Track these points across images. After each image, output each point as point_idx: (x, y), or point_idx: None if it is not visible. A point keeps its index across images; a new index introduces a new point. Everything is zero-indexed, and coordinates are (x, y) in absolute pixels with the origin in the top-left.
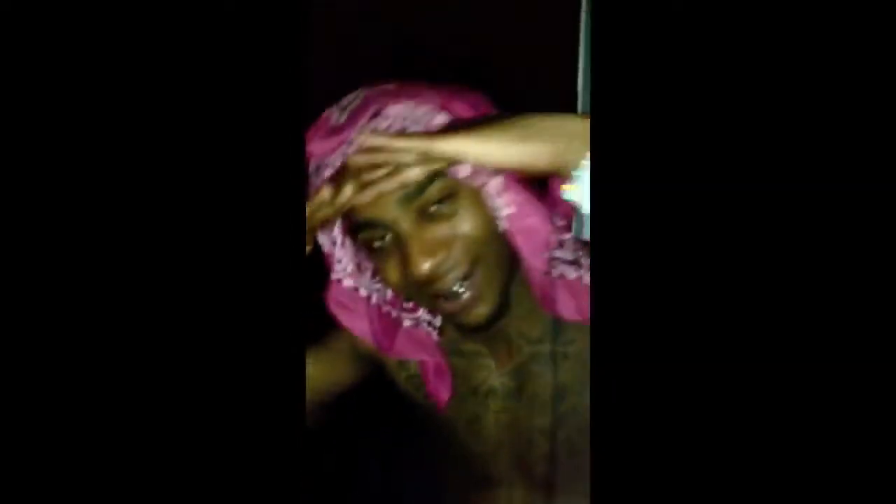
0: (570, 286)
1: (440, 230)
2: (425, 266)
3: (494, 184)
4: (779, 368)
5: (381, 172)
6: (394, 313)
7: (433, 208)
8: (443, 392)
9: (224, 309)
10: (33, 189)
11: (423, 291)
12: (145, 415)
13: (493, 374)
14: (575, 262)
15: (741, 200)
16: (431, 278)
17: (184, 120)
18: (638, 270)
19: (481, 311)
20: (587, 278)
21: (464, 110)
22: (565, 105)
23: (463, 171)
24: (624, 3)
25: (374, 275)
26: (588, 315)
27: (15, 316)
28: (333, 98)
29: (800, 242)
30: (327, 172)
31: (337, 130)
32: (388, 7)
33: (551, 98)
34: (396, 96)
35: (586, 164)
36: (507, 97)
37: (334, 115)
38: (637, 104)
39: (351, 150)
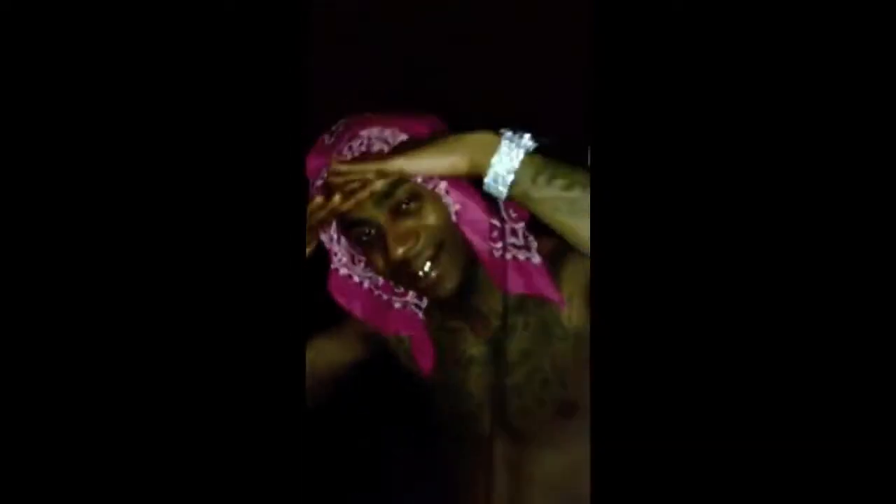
0: (521, 266)
1: (409, 223)
2: (399, 251)
3: (441, 186)
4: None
5: (355, 185)
6: (385, 297)
7: (403, 206)
8: (425, 361)
9: (230, 303)
10: (35, 193)
11: (401, 273)
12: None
13: (473, 345)
14: (524, 247)
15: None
16: (406, 261)
17: (184, 122)
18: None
19: (448, 286)
20: (535, 259)
21: (421, 130)
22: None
23: (418, 178)
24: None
25: (365, 265)
26: (536, 290)
27: (16, 314)
28: (333, 101)
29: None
30: (318, 184)
31: (326, 150)
32: (388, 9)
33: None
34: (370, 123)
35: (494, 167)
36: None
37: (326, 138)
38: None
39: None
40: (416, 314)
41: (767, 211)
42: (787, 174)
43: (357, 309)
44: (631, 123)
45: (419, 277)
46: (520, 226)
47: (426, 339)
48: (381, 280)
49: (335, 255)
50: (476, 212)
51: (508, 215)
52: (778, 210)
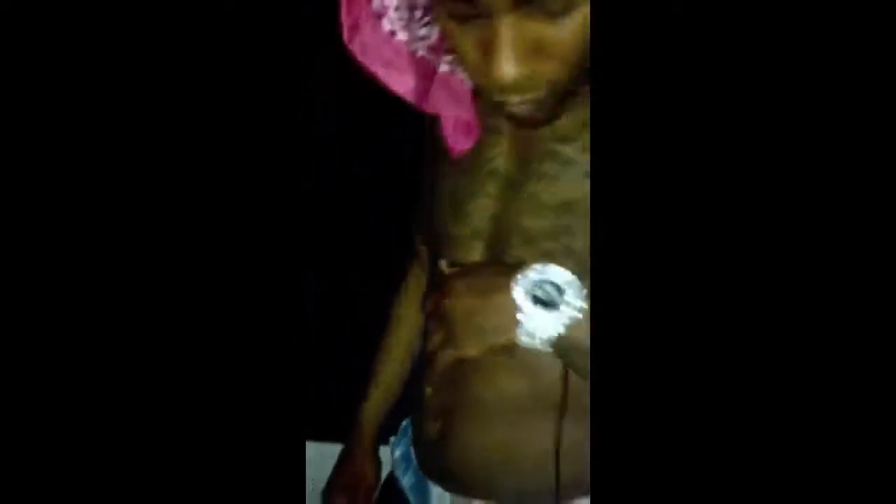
0: None
1: (540, 28)
2: (505, 71)
3: None
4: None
5: None
6: (432, 61)
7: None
8: (462, 142)
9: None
10: (31, 190)
11: (488, 87)
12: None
13: (503, 158)
14: None
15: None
16: (506, 89)
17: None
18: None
19: (540, 117)
20: None
21: None
22: None
23: None
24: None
25: (422, 22)
26: None
27: (12, 315)
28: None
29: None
30: None
31: None
32: None
33: None
34: None
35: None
36: None
37: None
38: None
39: None
40: (465, 83)
41: (768, 212)
42: (787, 175)
43: (409, 89)
44: (631, 123)
45: (507, 104)
46: None
47: (473, 124)
48: (433, 38)
49: (394, 9)
50: None
51: None
52: (778, 211)
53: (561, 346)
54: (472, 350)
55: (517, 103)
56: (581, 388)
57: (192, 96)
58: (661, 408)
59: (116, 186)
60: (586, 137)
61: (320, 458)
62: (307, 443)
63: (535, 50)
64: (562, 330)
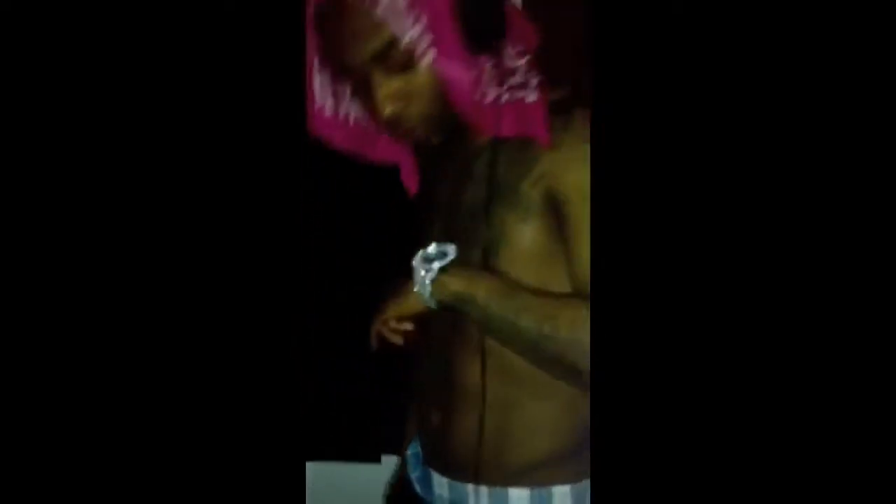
0: (514, 107)
1: (399, 83)
2: (388, 111)
3: (430, 51)
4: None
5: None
6: (371, 127)
7: (396, 65)
8: (412, 182)
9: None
10: (31, 188)
11: (388, 125)
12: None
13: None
14: (522, 86)
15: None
16: (393, 119)
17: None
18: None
19: (437, 139)
20: (531, 97)
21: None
22: None
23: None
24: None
25: (351, 96)
26: (523, 130)
27: (12, 315)
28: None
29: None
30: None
31: None
32: None
33: None
34: None
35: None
36: None
37: None
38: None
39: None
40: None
41: (768, 213)
42: (787, 177)
43: (341, 141)
44: (631, 123)
45: (406, 131)
46: (520, 63)
47: (412, 163)
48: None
49: (317, 91)
50: (462, 71)
51: (507, 55)
52: (778, 212)
53: (449, 301)
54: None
55: (409, 134)
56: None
57: (195, 103)
58: (659, 409)
59: (116, 189)
60: (487, 154)
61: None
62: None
63: (400, 95)
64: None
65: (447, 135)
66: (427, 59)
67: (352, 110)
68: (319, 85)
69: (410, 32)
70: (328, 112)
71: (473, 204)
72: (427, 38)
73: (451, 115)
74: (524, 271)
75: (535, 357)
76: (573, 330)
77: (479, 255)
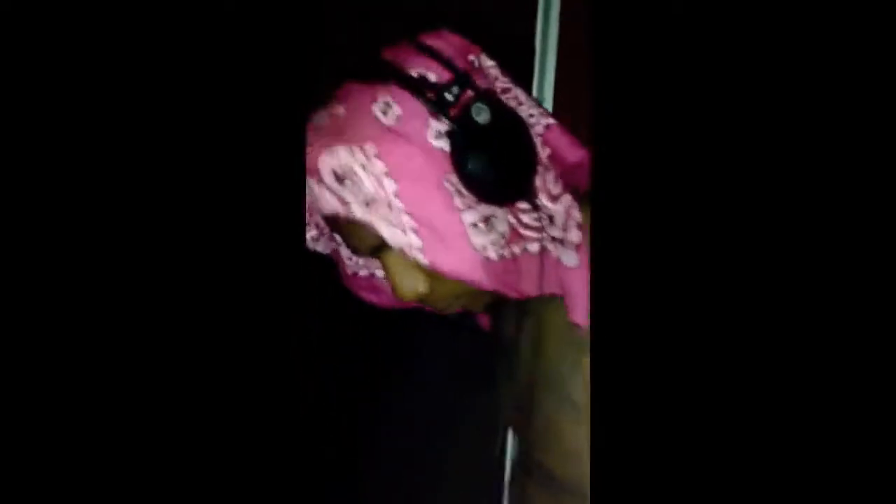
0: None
1: (418, 267)
2: (404, 295)
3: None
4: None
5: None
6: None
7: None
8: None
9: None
10: (31, 187)
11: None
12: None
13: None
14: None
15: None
16: (421, 302)
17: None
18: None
19: (477, 309)
20: (571, 260)
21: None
22: None
23: None
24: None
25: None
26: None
27: (12, 315)
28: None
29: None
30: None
31: None
32: None
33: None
34: (333, 140)
35: None
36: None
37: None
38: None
39: (315, 205)
40: None
41: (769, 214)
42: (787, 178)
43: (386, 302)
44: (632, 123)
45: (439, 308)
46: (558, 206)
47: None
48: None
49: (347, 259)
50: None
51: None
52: (778, 214)
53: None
54: None
55: (444, 310)
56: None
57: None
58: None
59: (116, 189)
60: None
61: None
62: None
63: (421, 275)
64: None
65: (490, 303)
66: (423, 262)
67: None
68: (347, 255)
69: (397, 240)
70: (362, 276)
71: (520, 379)
72: (417, 238)
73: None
74: (573, 470)
75: None
76: None
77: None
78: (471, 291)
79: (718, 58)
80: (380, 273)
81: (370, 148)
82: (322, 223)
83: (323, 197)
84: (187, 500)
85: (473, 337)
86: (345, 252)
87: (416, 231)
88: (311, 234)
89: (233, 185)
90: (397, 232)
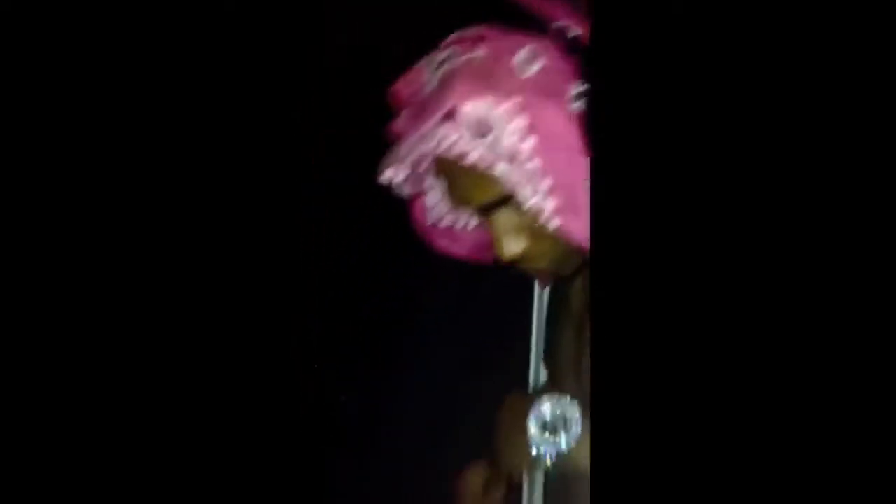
0: None
1: (518, 219)
2: (504, 252)
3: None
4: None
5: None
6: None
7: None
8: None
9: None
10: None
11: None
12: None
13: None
14: None
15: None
16: (515, 263)
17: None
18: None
19: (564, 274)
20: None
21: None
22: None
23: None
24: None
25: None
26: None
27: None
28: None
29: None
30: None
31: (423, 104)
32: None
33: None
34: (478, 86)
35: None
36: None
37: (426, 73)
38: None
39: (431, 146)
40: None
41: (769, 214)
42: (786, 178)
43: (465, 252)
44: (632, 122)
45: (531, 269)
46: None
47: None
48: None
49: (433, 206)
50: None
51: None
52: (778, 214)
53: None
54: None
55: (535, 271)
56: None
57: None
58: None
59: (117, 189)
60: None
61: None
62: None
63: (524, 234)
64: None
65: (577, 269)
66: (553, 224)
67: (472, 223)
68: (434, 202)
69: (534, 200)
70: (444, 225)
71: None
72: (552, 201)
73: (579, 253)
74: None
75: None
76: None
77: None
78: (566, 256)
79: (718, 59)
80: (461, 224)
81: (516, 103)
82: (418, 164)
83: (457, 141)
84: (187, 499)
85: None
86: (430, 199)
87: (551, 193)
88: (401, 173)
89: (233, 186)
90: (532, 192)
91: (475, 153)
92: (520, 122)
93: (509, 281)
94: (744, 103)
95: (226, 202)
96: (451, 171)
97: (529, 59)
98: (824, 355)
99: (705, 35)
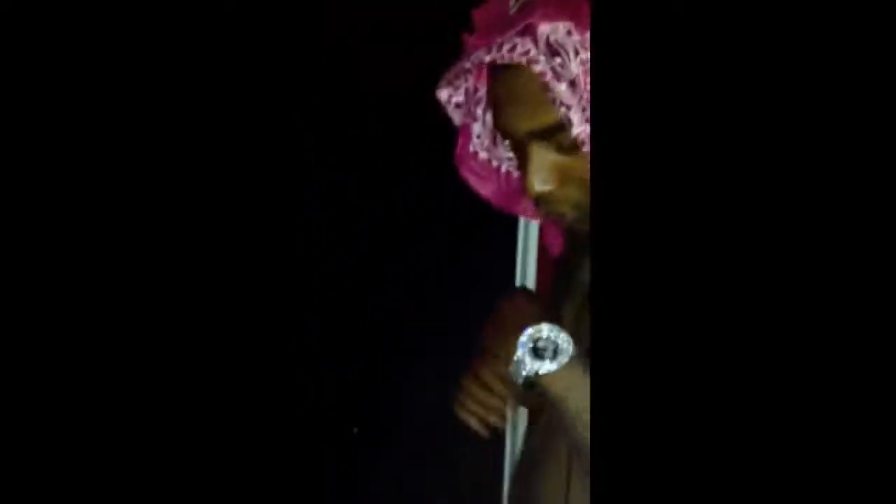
0: None
1: (556, 159)
2: (535, 188)
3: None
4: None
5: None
6: (513, 175)
7: (558, 143)
8: (555, 246)
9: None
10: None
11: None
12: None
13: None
14: None
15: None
16: (539, 202)
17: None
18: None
19: (585, 227)
20: None
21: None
22: None
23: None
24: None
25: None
26: None
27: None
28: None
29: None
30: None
31: (501, 22)
32: None
33: None
34: (560, 11)
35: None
36: None
37: (508, 2)
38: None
39: (498, 55)
40: None
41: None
42: (786, 178)
43: (489, 192)
44: (632, 122)
45: (554, 213)
46: None
47: (558, 229)
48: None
49: (476, 136)
50: None
51: None
52: (778, 214)
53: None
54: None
55: (557, 215)
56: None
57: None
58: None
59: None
60: None
61: None
62: None
63: (556, 175)
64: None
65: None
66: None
67: (506, 164)
68: (479, 130)
69: (582, 127)
70: (481, 159)
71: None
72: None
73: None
74: None
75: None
76: None
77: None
78: (587, 208)
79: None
80: (495, 164)
81: (586, 34)
82: (473, 90)
83: (528, 51)
84: (187, 499)
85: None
86: (476, 128)
87: None
88: (456, 97)
89: (233, 185)
90: (581, 120)
91: (542, 66)
92: (587, 55)
93: (507, 280)
94: (744, 103)
95: (225, 202)
96: (508, 92)
97: None
98: (823, 348)
99: (706, 35)
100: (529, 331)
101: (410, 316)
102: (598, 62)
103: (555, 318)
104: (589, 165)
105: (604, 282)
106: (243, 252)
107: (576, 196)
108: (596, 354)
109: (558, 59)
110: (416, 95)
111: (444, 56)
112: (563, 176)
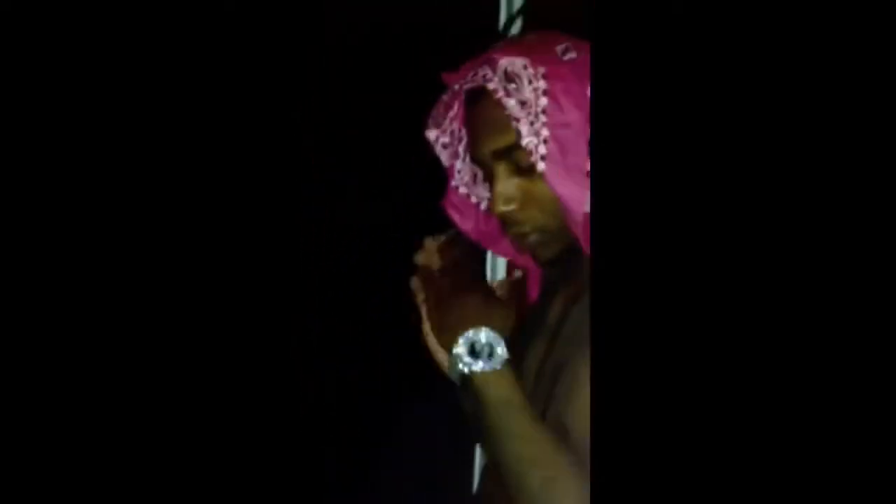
0: None
1: (520, 182)
2: (500, 209)
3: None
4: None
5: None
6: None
7: (520, 166)
8: (533, 291)
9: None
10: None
11: (503, 222)
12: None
13: (560, 302)
14: None
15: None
16: (505, 219)
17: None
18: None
19: (545, 254)
20: None
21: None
22: None
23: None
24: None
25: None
26: None
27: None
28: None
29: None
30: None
31: (475, 61)
32: None
33: None
34: (517, 51)
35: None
36: None
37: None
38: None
39: (464, 81)
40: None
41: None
42: (786, 178)
43: (469, 229)
44: (632, 122)
45: (517, 234)
46: None
47: (536, 272)
48: None
49: (458, 172)
50: (575, 188)
51: None
52: (778, 214)
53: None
54: None
55: (520, 236)
56: None
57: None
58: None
59: (117, 190)
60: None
61: None
62: None
63: (519, 195)
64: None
65: (560, 255)
66: (540, 168)
67: (485, 203)
68: (460, 167)
69: (529, 139)
70: (461, 193)
71: (561, 351)
72: (544, 148)
73: (566, 233)
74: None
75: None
76: (544, 490)
77: (545, 399)
78: (554, 230)
79: (718, 58)
80: (474, 200)
81: (541, 69)
82: (458, 130)
83: (489, 77)
84: (187, 499)
85: None
86: (458, 164)
87: (548, 142)
88: (443, 139)
89: (233, 185)
90: (532, 134)
91: (496, 85)
92: (541, 84)
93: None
94: (743, 102)
95: (226, 202)
96: (476, 117)
97: (565, 51)
98: (822, 347)
99: (705, 35)
100: (465, 338)
101: (410, 316)
102: (599, 61)
103: (519, 359)
104: (547, 189)
105: (604, 282)
106: (243, 252)
107: (539, 219)
108: (596, 354)
109: (513, 85)
110: (416, 96)
111: (444, 56)
112: (525, 197)
